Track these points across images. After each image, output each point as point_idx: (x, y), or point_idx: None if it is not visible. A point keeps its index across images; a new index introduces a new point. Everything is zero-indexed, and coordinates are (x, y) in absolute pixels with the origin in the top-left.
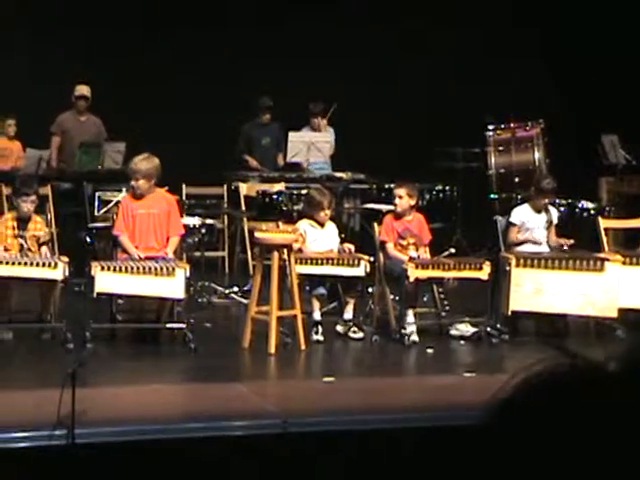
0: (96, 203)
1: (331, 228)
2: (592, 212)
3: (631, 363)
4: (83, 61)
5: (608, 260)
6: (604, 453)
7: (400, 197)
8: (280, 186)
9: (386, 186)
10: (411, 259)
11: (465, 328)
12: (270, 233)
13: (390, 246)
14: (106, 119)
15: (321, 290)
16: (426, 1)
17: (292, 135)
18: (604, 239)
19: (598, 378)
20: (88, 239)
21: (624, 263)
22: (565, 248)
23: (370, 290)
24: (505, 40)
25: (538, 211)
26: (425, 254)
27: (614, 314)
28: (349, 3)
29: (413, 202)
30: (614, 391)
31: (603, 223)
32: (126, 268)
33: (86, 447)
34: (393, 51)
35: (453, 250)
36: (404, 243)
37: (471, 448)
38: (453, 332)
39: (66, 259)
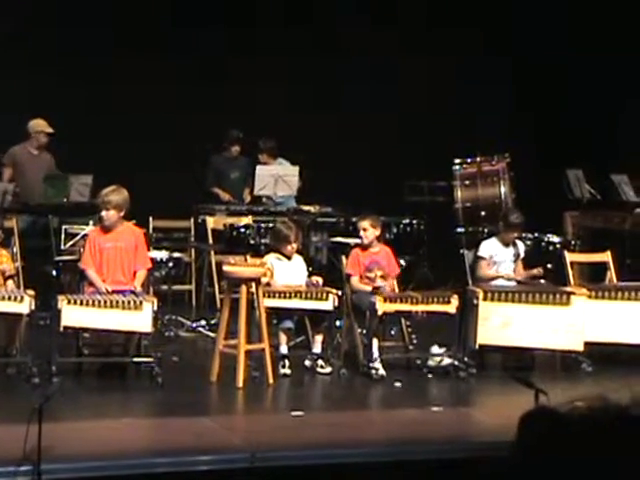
0: (62, 236)
1: (298, 261)
2: (558, 246)
3: None
4: (44, 91)
5: (574, 294)
6: None
7: (365, 230)
8: (247, 219)
9: (353, 219)
10: (375, 289)
11: (439, 357)
12: (238, 266)
13: (355, 279)
14: (68, 152)
15: (288, 324)
16: (388, 33)
17: (260, 168)
18: (570, 273)
19: (622, 422)
20: (54, 272)
21: (590, 297)
22: (536, 272)
23: (338, 324)
24: (470, 74)
25: (506, 245)
26: (391, 288)
27: (580, 348)
28: (322, 31)
29: (378, 232)
30: (637, 435)
31: (569, 257)
32: (93, 302)
33: None
34: (362, 82)
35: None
36: (372, 275)
37: None
38: (430, 363)
39: (32, 293)
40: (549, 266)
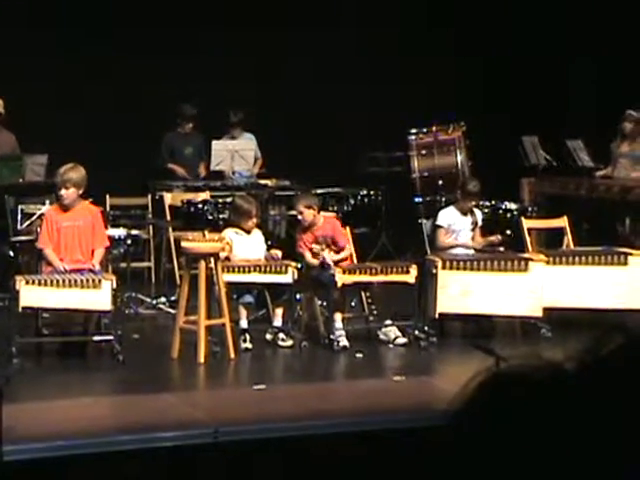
0: (19, 216)
1: (257, 235)
2: (515, 213)
3: (589, 363)
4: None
5: (532, 260)
6: (563, 453)
7: (300, 212)
8: (205, 195)
9: (311, 192)
10: (322, 264)
11: (393, 334)
12: (196, 242)
13: (308, 255)
14: (22, 132)
15: (248, 298)
16: (335, 2)
17: (215, 144)
18: (527, 239)
19: (557, 378)
20: (11, 253)
21: (548, 262)
22: (494, 239)
23: (298, 296)
24: (422, 42)
25: (464, 213)
26: (350, 254)
27: (539, 313)
28: (266, 8)
29: (315, 212)
30: (572, 391)
31: (526, 223)
32: (51, 281)
33: (15, 464)
34: (315, 52)
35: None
36: (317, 248)
37: (414, 451)
38: (382, 337)
39: None
40: (508, 232)
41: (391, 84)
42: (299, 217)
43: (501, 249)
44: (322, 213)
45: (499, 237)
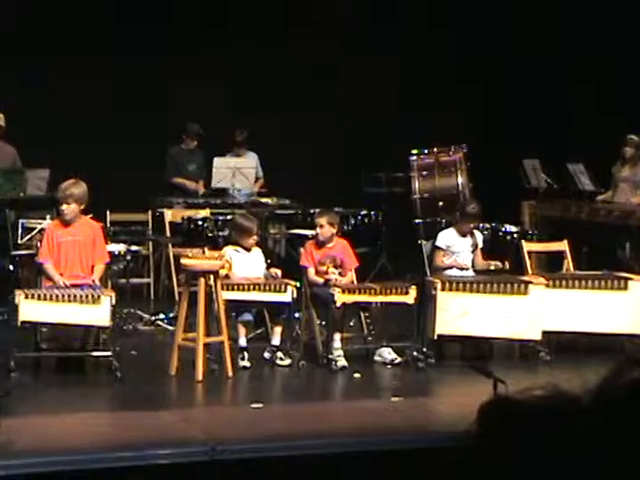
0: (19, 230)
1: (257, 253)
2: (515, 236)
3: (604, 395)
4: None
5: (532, 283)
6: None
7: (321, 226)
8: (205, 212)
9: (311, 211)
10: (327, 281)
11: (388, 355)
12: (196, 259)
13: (311, 271)
14: (26, 146)
15: (247, 316)
16: (339, 25)
17: (217, 161)
18: (527, 262)
19: (572, 409)
20: (11, 267)
21: (547, 286)
22: (493, 267)
23: (297, 315)
24: (424, 65)
25: (463, 235)
26: (350, 280)
27: (538, 337)
28: (267, 29)
29: (334, 230)
30: (587, 424)
31: (526, 246)
32: (51, 296)
33: (11, 479)
34: (313, 77)
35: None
36: (323, 268)
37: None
38: (377, 358)
39: None
40: (506, 264)
41: (394, 106)
42: (318, 230)
43: (492, 268)
44: None
45: (498, 264)
